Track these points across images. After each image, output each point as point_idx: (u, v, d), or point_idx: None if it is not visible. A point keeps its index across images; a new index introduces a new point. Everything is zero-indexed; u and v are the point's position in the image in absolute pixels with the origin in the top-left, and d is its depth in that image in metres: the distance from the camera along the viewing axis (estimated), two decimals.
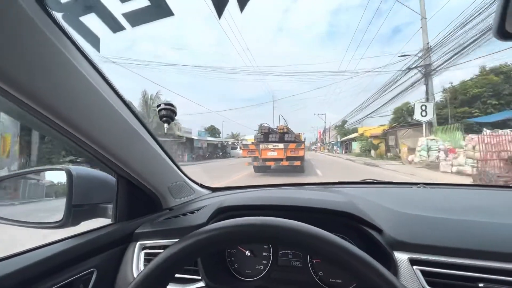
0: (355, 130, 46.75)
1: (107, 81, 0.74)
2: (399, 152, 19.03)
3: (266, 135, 11.65)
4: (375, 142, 24.25)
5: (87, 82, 0.67)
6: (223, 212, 0.92)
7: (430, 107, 14.89)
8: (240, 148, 31.63)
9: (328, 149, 55.70)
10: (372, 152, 23.50)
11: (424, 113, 14.94)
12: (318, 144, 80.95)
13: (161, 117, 1.04)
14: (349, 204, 0.89)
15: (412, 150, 15.78)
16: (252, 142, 12.13)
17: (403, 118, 23.11)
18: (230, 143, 39.15)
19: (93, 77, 0.69)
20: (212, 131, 51.53)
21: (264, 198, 0.94)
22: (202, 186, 1.48)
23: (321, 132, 72.81)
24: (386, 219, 0.84)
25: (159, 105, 1.05)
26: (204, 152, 30.31)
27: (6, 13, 0.50)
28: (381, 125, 26.82)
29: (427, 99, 15.54)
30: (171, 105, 1.06)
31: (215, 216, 0.93)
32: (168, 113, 1.06)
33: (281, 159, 10.98)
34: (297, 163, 10.89)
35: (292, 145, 10.86)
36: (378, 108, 23.47)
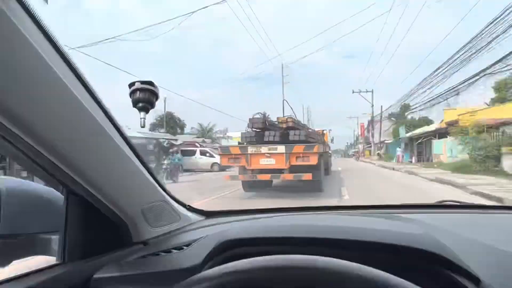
0: (427, 121, 32.48)
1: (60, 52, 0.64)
2: None
3: (260, 132, 9.56)
4: None
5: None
6: (228, 249, 0.79)
7: None
8: (204, 153, 22.83)
9: (379, 154, 41.22)
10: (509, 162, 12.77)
11: None
12: (361, 146, 60.13)
13: (135, 103, 0.87)
14: (426, 238, 0.74)
15: None
16: (238, 143, 9.92)
17: None
18: (179, 143, 25.23)
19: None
20: (169, 121, 38.55)
21: (289, 227, 0.81)
22: (191, 209, 1.29)
23: (366, 127, 54.81)
24: (484, 263, 0.71)
25: (131, 84, 0.87)
26: None
27: None
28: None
29: None
30: (151, 83, 0.87)
31: (216, 254, 0.81)
32: (147, 96, 0.86)
33: (282, 170, 8.86)
34: (307, 176, 8.74)
35: (299, 148, 8.68)
36: None
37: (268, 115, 9.96)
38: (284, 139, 9.29)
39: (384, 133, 42.91)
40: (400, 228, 0.79)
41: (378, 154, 40.69)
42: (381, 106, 42.14)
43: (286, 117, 9.98)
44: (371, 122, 45.42)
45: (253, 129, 9.71)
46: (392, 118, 46.27)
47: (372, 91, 43.04)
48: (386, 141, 42.72)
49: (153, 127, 39.18)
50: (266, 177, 9.22)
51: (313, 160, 8.73)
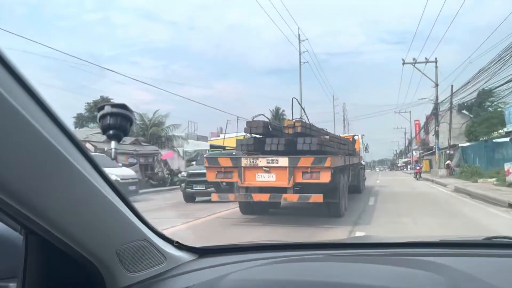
0: None
1: None
2: None
3: (260, 138, 7.85)
4: None
5: None
6: None
7: None
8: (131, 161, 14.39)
9: (448, 166, 26.89)
10: None
11: None
12: (415, 154, 47.85)
13: (105, 130, 0.78)
14: None
15: None
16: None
17: None
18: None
19: None
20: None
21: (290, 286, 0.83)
22: (181, 247, 1.21)
23: (422, 125, 41.75)
24: None
25: (101, 108, 0.78)
26: None
27: None
28: None
29: None
30: (123, 106, 0.79)
31: None
32: (118, 122, 0.77)
33: (284, 189, 7.18)
34: (316, 198, 6.99)
35: (306, 161, 6.92)
36: None
37: (283, 110, 8.17)
38: (290, 149, 7.54)
39: (457, 134, 28.76)
40: (418, 284, 0.70)
41: (448, 166, 26.89)
42: (451, 86, 25.96)
43: (294, 120, 8.14)
44: (435, 114, 28.27)
45: (252, 133, 8.01)
46: (464, 112, 31.63)
47: (436, 60, 27.03)
48: (457, 146, 28.37)
49: (80, 122, 26.80)
50: (263, 197, 7.42)
51: (324, 178, 6.90)
